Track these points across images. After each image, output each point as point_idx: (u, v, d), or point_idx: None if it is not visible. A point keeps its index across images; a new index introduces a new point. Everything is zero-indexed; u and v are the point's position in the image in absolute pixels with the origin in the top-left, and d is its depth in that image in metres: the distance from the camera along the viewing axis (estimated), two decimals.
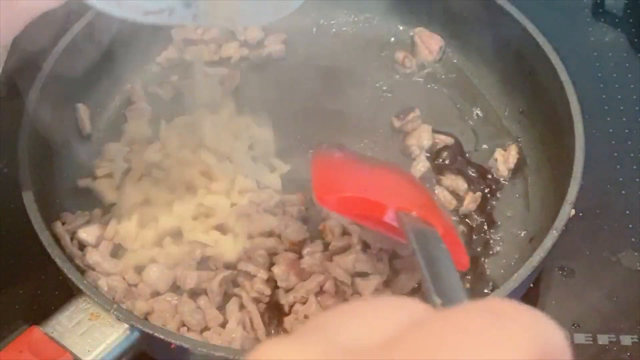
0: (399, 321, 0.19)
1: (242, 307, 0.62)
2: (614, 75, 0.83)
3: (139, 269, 0.65)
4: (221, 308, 0.62)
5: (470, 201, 0.69)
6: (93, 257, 0.64)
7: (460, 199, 0.70)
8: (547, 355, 0.19)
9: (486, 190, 0.71)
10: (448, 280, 0.38)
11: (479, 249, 0.67)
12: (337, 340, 0.19)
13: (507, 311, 0.19)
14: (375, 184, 0.56)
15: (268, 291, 0.62)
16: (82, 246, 0.65)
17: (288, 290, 0.62)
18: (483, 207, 0.70)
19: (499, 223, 0.69)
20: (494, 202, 0.71)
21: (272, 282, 0.63)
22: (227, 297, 0.63)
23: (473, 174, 0.72)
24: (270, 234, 0.66)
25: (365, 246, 0.63)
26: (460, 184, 0.71)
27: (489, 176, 0.72)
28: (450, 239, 0.49)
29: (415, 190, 0.59)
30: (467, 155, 0.74)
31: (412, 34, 0.83)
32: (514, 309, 0.19)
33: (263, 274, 0.63)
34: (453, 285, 0.37)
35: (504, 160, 0.73)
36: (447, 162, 0.73)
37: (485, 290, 0.65)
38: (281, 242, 0.65)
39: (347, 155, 0.63)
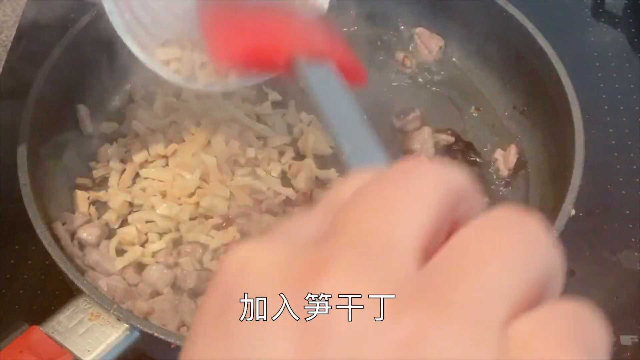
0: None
1: None
2: (614, 75, 0.83)
3: (139, 269, 0.65)
4: None
5: None
6: (93, 257, 0.64)
7: None
8: (456, 192, 0.21)
9: (486, 190, 0.71)
10: (352, 123, 0.40)
11: None
12: (293, 238, 0.21)
13: (413, 165, 0.21)
14: (268, 30, 0.54)
15: None
16: (82, 246, 0.65)
17: None
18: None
19: None
20: (494, 202, 0.71)
21: None
22: None
23: (473, 174, 0.72)
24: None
25: None
26: None
27: (489, 176, 0.72)
28: (345, 61, 0.49)
29: (306, 25, 0.57)
30: (466, 154, 0.74)
31: (412, 34, 0.83)
32: (422, 165, 0.21)
33: None
34: (357, 126, 0.39)
35: (504, 160, 0.73)
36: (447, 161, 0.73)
37: None
38: None
39: (235, 4, 0.60)
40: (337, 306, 0.18)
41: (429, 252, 0.20)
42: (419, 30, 0.83)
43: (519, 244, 0.20)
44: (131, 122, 0.74)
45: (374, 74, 0.81)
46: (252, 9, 0.58)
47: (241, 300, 0.19)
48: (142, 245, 0.66)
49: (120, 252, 0.66)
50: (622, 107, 0.80)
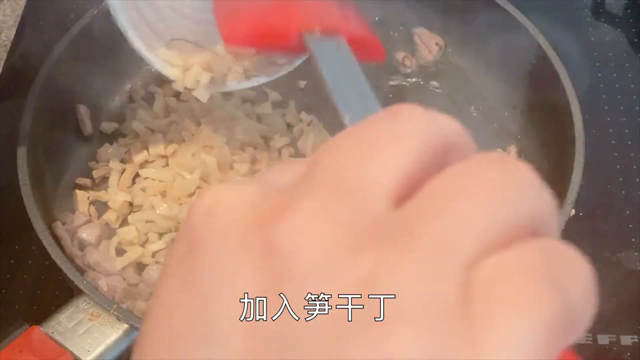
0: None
1: None
2: (614, 75, 0.83)
3: (139, 269, 0.65)
4: None
5: None
6: (93, 257, 0.64)
7: None
8: (444, 139, 0.20)
9: None
10: (357, 95, 0.39)
11: None
12: (268, 181, 0.21)
13: (399, 110, 0.20)
14: (278, 7, 0.54)
15: None
16: (82, 246, 0.65)
17: None
18: None
19: None
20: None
21: None
22: None
23: None
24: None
25: None
26: None
27: None
28: (359, 36, 0.49)
29: (318, 1, 0.57)
30: None
31: (412, 34, 0.83)
32: (409, 109, 0.20)
33: None
34: (362, 97, 0.38)
35: None
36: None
37: None
38: None
39: None
40: (301, 245, 0.18)
41: (408, 197, 0.19)
42: (419, 30, 0.82)
43: (498, 183, 0.19)
44: (131, 122, 0.74)
45: (374, 74, 0.81)
46: None
47: (205, 242, 0.19)
48: (142, 245, 0.66)
49: (120, 252, 0.66)
50: (622, 107, 0.80)
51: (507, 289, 0.17)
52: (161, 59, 0.61)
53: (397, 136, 0.19)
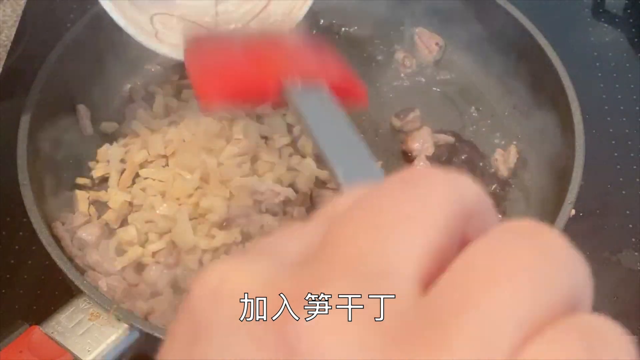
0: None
1: None
2: (614, 75, 0.83)
3: (139, 269, 0.65)
4: None
5: None
6: (93, 257, 0.64)
7: None
8: (467, 207, 0.19)
9: (486, 191, 0.71)
10: (346, 145, 0.37)
11: None
12: (278, 255, 0.19)
13: (417, 176, 0.19)
14: (255, 60, 0.52)
15: None
16: (82, 246, 0.65)
17: None
18: None
19: None
20: (494, 203, 0.71)
21: None
22: None
23: (473, 174, 0.72)
24: (270, 234, 0.66)
25: None
26: None
27: (489, 176, 0.72)
28: (341, 82, 0.48)
29: (295, 50, 0.55)
30: (466, 155, 0.74)
31: (412, 34, 0.83)
32: (425, 175, 0.19)
33: None
34: (352, 147, 0.36)
35: (504, 160, 0.73)
36: (447, 162, 0.73)
37: None
38: None
39: (221, 42, 0.60)
40: (323, 346, 0.16)
41: (434, 275, 0.17)
42: (419, 30, 0.82)
43: (532, 262, 0.17)
44: (131, 122, 0.74)
45: (374, 74, 0.81)
46: (237, 45, 0.57)
47: (212, 333, 0.17)
48: (142, 245, 0.66)
49: (120, 252, 0.66)
50: (622, 107, 0.80)
51: None
52: (146, 33, 0.62)
53: (419, 209, 0.18)
